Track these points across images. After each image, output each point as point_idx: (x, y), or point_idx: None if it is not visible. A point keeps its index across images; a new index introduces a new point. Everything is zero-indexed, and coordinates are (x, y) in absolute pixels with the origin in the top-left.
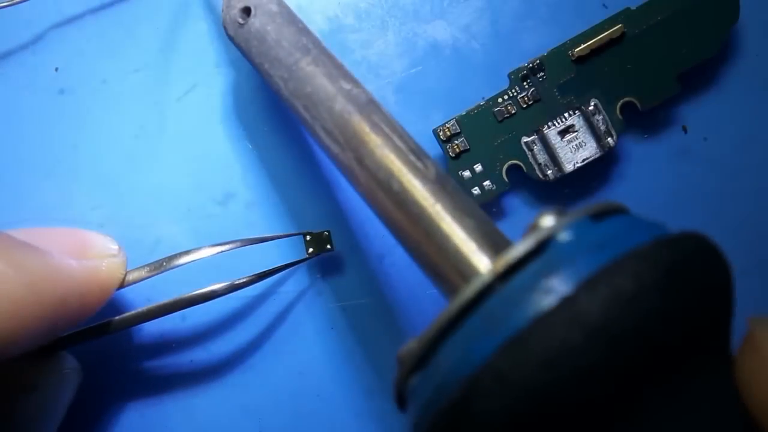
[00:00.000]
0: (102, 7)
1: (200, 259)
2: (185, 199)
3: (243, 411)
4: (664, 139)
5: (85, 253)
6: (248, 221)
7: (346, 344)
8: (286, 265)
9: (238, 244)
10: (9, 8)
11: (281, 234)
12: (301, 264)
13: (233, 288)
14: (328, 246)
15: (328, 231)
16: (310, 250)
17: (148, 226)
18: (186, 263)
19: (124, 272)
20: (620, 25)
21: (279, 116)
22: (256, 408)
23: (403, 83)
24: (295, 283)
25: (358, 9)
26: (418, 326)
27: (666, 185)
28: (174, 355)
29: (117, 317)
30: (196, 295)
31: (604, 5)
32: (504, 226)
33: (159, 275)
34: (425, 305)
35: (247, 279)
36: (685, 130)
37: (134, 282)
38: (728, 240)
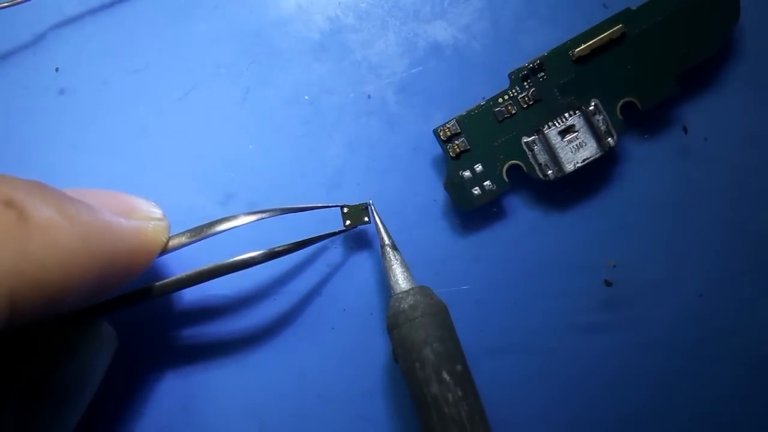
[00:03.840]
0: (102, 8)
1: (239, 226)
2: (186, 200)
3: (243, 411)
4: (664, 139)
5: (132, 214)
6: (248, 222)
7: (346, 344)
8: (325, 234)
9: (277, 212)
10: (9, 9)
11: (319, 204)
12: (301, 264)
13: (272, 255)
14: (366, 219)
15: (365, 204)
16: (347, 222)
17: None
18: (225, 230)
19: (168, 236)
20: (620, 26)
21: (282, 116)
22: (256, 408)
23: (403, 83)
24: (295, 283)
25: (359, 9)
26: None
27: (666, 185)
28: (174, 355)
29: (157, 283)
30: (235, 261)
31: (604, 5)
32: (504, 226)
33: (198, 242)
34: None
35: (286, 247)
36: (685, 130)
37: (176, 248)
38: (729, 240)
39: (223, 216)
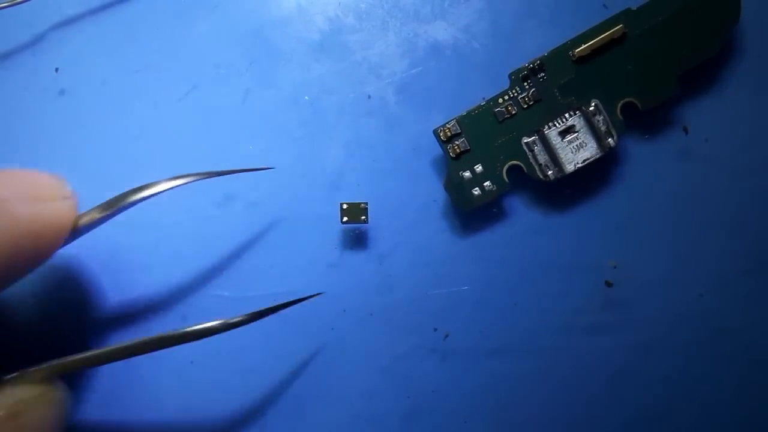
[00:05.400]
0: (102, 8)
1: (156, 194)
2: (185, 201)
3: (243, 411)
4: (665, 139)
5: (37, 195)
6: (248, 222)
7: (346, 344)
8: (284, 304)
9: (197, 177)
10: (9, 9)
11: (248, 168)
12: (301, 264)
13: (229, 326)
14: (363, 218)
15: (365, 203)
16: (344, 219)
17: (148, 227)
18: (141, 200)
19: (75, 214)
20: (621, 26)
21: (282, 116)
22: (256, 408)
23: (403, 84)
24: (295, 283)
25: (359, 9)
26: (418, 326)
27: (667, 185)
28: (174, 356)
29: (101, 351)
30: (190, 331)
31: (604, 5)
32: (505, 227)
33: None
34: (425, 305)
35: (243, 317)
36: (686, 130)
37: (89, 225)
38: (729, 240)
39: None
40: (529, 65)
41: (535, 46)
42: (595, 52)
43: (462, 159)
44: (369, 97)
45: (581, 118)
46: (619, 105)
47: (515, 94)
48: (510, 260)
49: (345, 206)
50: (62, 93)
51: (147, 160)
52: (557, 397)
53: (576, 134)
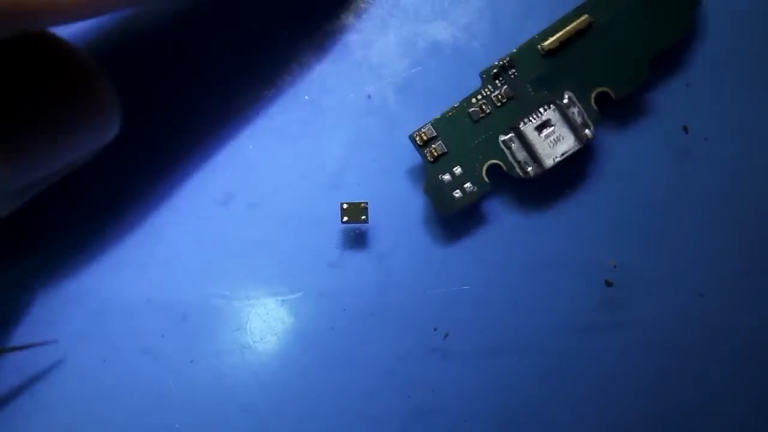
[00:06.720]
0: None
1: None
2: (185, 200)
3: (243, 411)
4: (664, 139)
5: None
6: (249, 222)
7: (346, 344)
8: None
9: None
10: None
11: (28, 343)
12: (301, 264)
13: None
14: (363, 217)
15: (365, 202)
16: (344, 219)
17: (148, 227)
18: None
19: None
20: (586, 16)
21: (282, 116)
22: (256, 408)
23: (403, 83)
24: (295, 283)
25: (359, 9)
26: (418, 326)
27: (667, 185)
28: (174, 355)
29: None
30: None
31: None
32: (505, 227)
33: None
34: (425, 305)
35: None
36: (686, 130)
37: None
38: (729, 240)
39: None
40: (499, 62)
41: None
42: (564, 44)
43: (440, 162)
44: (369, 96)
45: (556, 112)
46: (593, 95)
47: (488, 93)
48: (510, 259)
49: (345, 206)
50: None
51: (147, 159)
52: (557, 397)
53: (552, 128)
